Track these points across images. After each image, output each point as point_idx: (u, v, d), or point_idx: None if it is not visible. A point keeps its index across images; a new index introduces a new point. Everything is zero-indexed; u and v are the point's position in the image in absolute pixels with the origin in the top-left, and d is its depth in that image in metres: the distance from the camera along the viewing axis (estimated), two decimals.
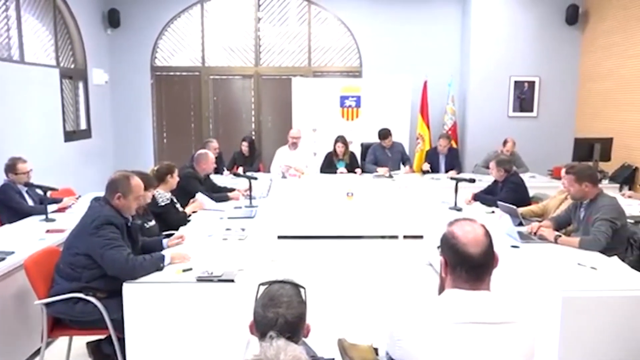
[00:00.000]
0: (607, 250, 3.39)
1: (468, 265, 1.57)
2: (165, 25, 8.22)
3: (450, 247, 1.61)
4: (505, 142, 6.82)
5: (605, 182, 6.18)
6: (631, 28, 6.70)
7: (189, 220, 4.30)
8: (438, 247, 1.67)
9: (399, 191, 6.40)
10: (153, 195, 4.01)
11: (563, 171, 4.07)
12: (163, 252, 3.08)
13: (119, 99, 8.23)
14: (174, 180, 4.36)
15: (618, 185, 6.32)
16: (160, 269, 2.96)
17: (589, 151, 6.27)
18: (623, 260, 3.30)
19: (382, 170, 6.78)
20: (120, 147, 8.27)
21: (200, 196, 4.80)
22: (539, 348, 1.69)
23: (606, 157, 6.38)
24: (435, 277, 1.71)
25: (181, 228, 4.07)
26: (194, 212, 4.58)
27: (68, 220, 4.15)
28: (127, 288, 2.80)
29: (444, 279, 1.65)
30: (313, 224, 6.41)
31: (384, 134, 6.98)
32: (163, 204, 4.19)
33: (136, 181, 3.08)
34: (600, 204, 3.58)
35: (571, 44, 7.87)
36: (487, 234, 1.62)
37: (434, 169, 6.96)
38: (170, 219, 4.18)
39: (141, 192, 3.13)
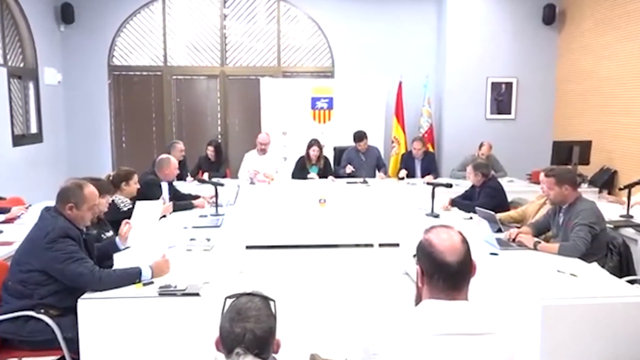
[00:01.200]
0: (586, 256, 3.48)
1: (445, 274, 1.59)
2: (124, 21, 8.10)
3: (426, 256, 1.62)
4: (481, 146, 6.96)
5: (584, 185, 6.35)
6: (608, 28, 6.91)
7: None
8: (414, 256, 1.69)
9: (374, 197, 6.44)
10: (111, 203, 3.94)
11: (542, 175, 4.17)
12: (140, 266, 2.96)
13: (73, 101, 8.06)
14: (130, 188, 4.28)
15: (597, 189, 6.49)
16: (136, 283, 2.89)
17: (568, 154, 6.44)
18: (603, 267, 3.39)
19: (349, 169, 6.80)
20: (74, 152, 8.09)
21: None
22: (520, 359, 1.71)
23: (585, 160, 6.56)
24: (412, 287, 1.73)
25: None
26: (162, 216, 4.50)
27: (17, 231, 4.02)
28: (83, 304, 2.73)
29: (420, 289, 1.66)
30: (283, 232, 6.39)
31: (359, 136, 7.02)
32: (126, 208, 4.15)
33: (90, 189, 3.00)
34: (579, 208, 3.67)
35: (548, 44, 8.09)
36: (465, 241, 1.64)
37: (410, 174, 7.03)
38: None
39: (95, 200, 3.06)
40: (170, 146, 6.71)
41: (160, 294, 2.79)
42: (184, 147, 6.74)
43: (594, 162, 6.68)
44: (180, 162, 6.14)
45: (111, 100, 8.26)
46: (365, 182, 6.69)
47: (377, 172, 7.12)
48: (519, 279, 3.11)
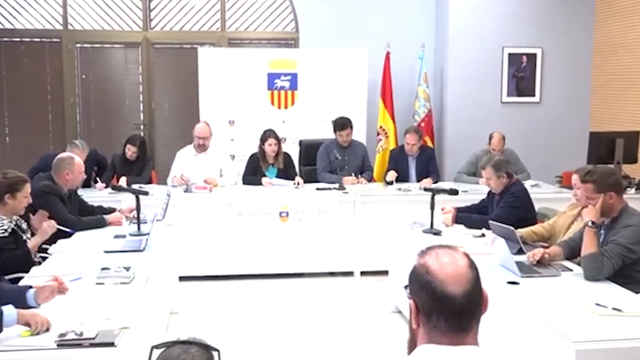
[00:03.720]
0: (633, 285, 3.56)
1: (448, 311, 1.61)
2: None
3: (422, 287, 1.64)
4: (490, 138, 7.02)
5: (630, 191, 6.48)
6: None
7: (35, 263, 4.13)
8: (405, 287, 1.70)
9: (355, 209, 6.45)
10: None
11: (575, 176, 4.25)
12: (3, 308, 2.88)
13: None
14: (17, 202, 4.15)
15: None
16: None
17: (609, 150, 6.56)
18: None
19: (350, 179, 6.83)
20: None
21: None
22: None
23: (631, 157, 6.69)
24: (405, 328, 1.75)
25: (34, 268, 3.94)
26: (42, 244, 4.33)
27: None
28: None
29: (415, 331, 1.68)
30: (231, 258, 6.36)
31: (342, 123, 7.04)
32: None
33: None
34: (622, 223, 3.77)
35: (583, 3, 8.25)
36: (473, 266, 1.66)
37: (402, 177, 7.08)
38: (3, 261, 3.89)
39: None
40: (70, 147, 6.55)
41: (60, 345, 2.74)
42: (85, 149, 6.54)
43: None
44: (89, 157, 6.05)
45: None
46: (342, 187, 6.72)
47: (359, 176, 7.13)
48: (545, 315, 3.16)
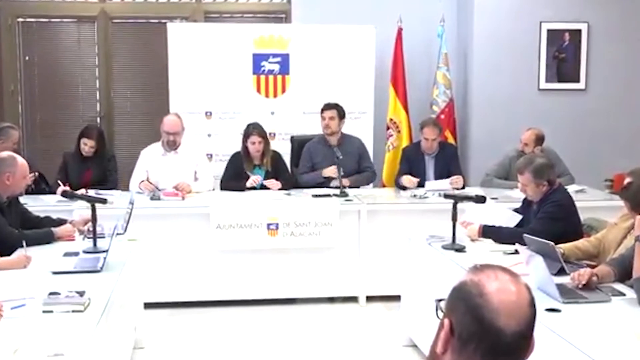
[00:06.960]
0: None
1: (488, 345, 1.61)
2: None
3: (470, 309, 1.63)
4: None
5: None
6: None
7: None
8: (438, 301, 1.71)
9: (359, 219, 6.46)
10: None
11: (627, 179, 4.25)
12: None
13: None
14: None
15: None
16: None
17: None
18: None
19: (329, 172, 6.86)
20: None
21: None
22: None
23: None
24: None
25: None
26: None
27: None
28: None
29: (437, 357, 1.68)
30: (207, 281, 6.36)
31: (326, 104, 7.05)
32: None
33: None
34: None
35: None
36: (533, 305, 1.66)
37: (417, 180, 7.10)
38: None
39: None
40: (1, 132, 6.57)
41: None
42: (17, 137, 6.61)
43: None
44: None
45: None
46: (343, 193, 6.72)
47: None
48: (592, 349, 3.16)
